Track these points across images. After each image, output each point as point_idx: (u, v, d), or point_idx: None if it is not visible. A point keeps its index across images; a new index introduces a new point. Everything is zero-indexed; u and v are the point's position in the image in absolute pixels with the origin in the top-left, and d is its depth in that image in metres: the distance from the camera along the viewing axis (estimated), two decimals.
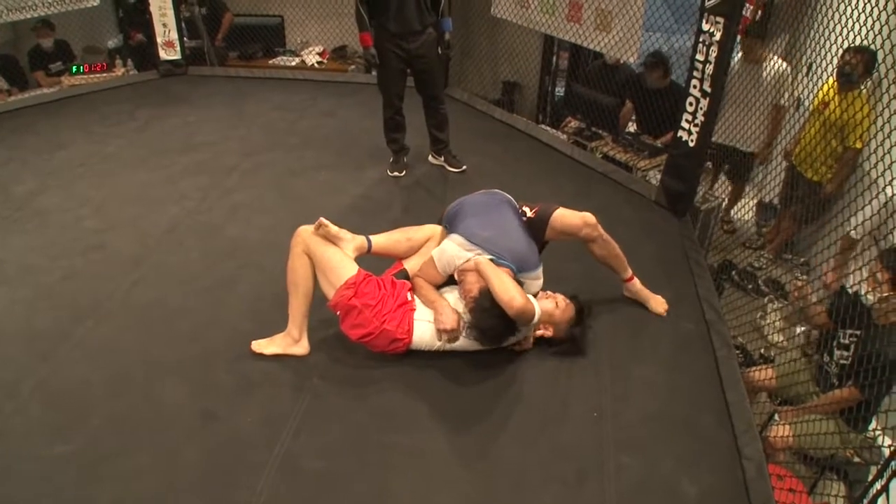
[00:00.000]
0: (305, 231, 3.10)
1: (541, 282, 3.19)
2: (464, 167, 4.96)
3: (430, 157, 5.10)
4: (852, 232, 4.08)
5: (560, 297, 3.18)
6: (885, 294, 3.21)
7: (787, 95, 5.02)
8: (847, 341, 3.46)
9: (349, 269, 3.01)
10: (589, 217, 3.23)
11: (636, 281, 3.48)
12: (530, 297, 2.98)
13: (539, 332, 3.15)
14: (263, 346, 3.16)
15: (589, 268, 3.52)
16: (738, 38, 5.28)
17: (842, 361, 3.46)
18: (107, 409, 2.81)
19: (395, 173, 4.89)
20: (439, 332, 3.00)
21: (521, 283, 3.00)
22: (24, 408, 2.81)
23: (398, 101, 4.75)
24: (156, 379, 2.98)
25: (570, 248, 3.47)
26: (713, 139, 4.98)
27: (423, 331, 3.03)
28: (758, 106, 4.98)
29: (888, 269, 3.21)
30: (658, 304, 3.49)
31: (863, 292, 3.32)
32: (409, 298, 3.09)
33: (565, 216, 3.24)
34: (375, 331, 2.98)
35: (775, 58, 5.09)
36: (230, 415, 2.81)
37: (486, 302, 2.85)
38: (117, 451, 2.62)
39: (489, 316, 2.86)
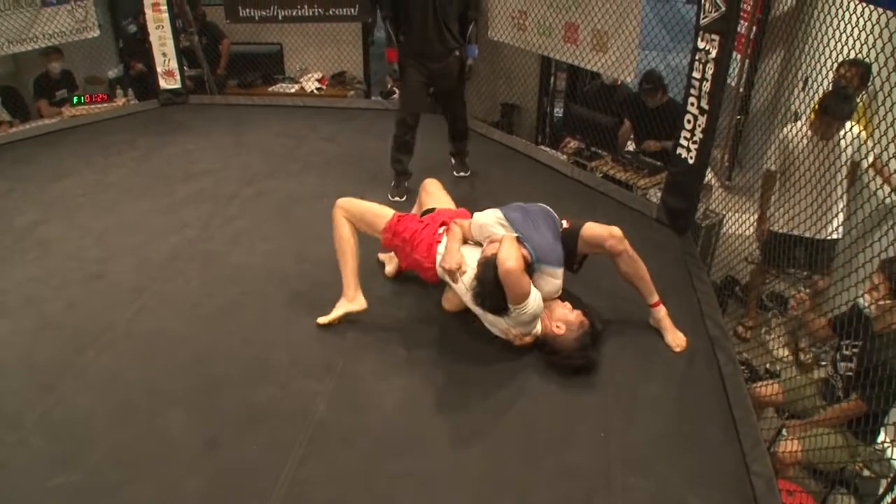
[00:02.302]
0: (342, 200, 3.56)
1: (557, 283, 3.26)
2: (464, 173, 5.23)
3: (450, 160, 5.36)
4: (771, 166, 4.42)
5: (578, 312, 3.24)
6: (885, 303, 3.20)
7: (863, 153, 4.21)
8: (849, 353, 3.45)
9: (384, 217, 3.51)
10: (615, 230, 3.35)
11: (661, 308, 3.44)
12: (537, 293, 3.11)
13: (551, 328, 3.18)
14: (327, 317, 3.50)
15: (596, 289, 3.57)
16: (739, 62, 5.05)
17: (846, 374, 3.44)
18: (110, 440, 2.79)
19: (396, 198, 4.90)
20: (442, 268, 3.29)
21: (532, 273, 3.14)
22: (27, 439, 2.80)
23: (412, 121, 4.85)
24: (159, 408, 2.97)
25: (586, 275, 3.53)
26: (775, 229, 4.57)
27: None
28: (834, 185, 4.07)
29: (888, 278, 3.20)
30: (676, 339, 3.40)
31: (864, 305, 3.30)
32: (441, 232, 3.43)
33: (593, 227, 3.39)
34: (408, 259, 3.51)
35: (847, 125, 4.20)
36: (235, 443, 2.80)
37: (492, 261, 3.00)
38: (120, 482, 2.60)
39: (487, 270, 3.01)
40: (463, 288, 3.22)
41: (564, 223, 3.46)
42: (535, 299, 3.06)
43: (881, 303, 3.22)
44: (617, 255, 3.34)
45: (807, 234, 4.28)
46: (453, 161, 5.30)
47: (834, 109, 4.06)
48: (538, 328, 3.21)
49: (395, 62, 4.72)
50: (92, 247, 4.24)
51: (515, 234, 3.18)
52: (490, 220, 3.30)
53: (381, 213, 3.55)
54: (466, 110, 5.21)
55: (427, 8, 4.45)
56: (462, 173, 5.24)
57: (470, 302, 3.21)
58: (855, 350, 3.41)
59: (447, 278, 3.31)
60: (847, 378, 3.41)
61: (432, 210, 3.69)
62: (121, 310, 3.63)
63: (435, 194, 3.82)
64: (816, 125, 4.16)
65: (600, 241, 3.34)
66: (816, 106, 4.19)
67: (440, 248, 3.37)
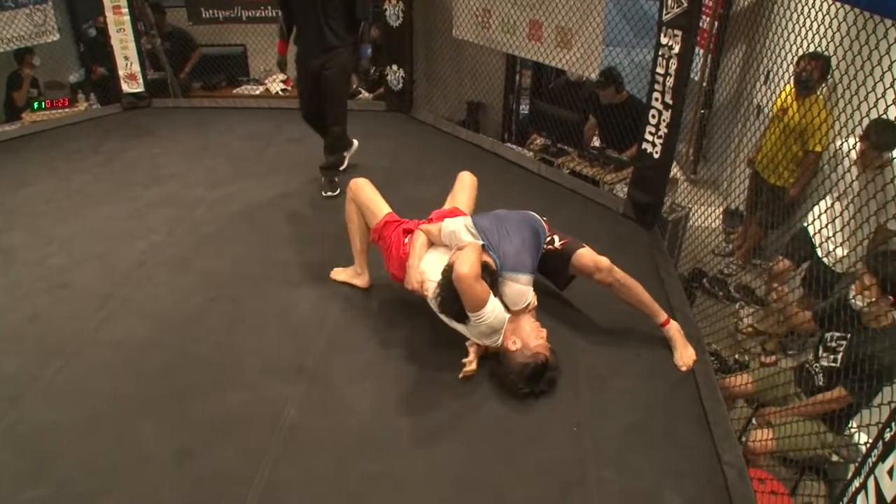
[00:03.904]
0: (354, 183, 3.65)
1: (522, 289, 3.14)
2: (330, 193, 4.90)
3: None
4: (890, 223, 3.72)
5: (545, 342, 3.09)
6: (874, 299, 3.22)
7: None
8: (834, 344, 3.46)
9: (377, 216, 3.54)
10: (602, 263, 3.32)
11: (671, 326, 3.39)
12: (498, 304, 3.02)
13: (508, 342, 3.06)
14: (338, 274, 3.88)
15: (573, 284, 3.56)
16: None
17: (826, 364, 3.45)
18: (79, 452, 2.75)
19: (328, 192, 4.96)
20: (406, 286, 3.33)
21: (499, 280, 3.11)
22: None
23: (309, 117, 4.91)
24: (129, 418, 2.93)
25: None
26: (831, 264, 4.13)
27: None
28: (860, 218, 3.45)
29: (874, 274, 3.22)
30: (683, 357, 3.32)
31: (856, 305, 3.31)
32: (406, 243, 3.39)
33: (583, 257, 3.36)
34: (386, 263, 3.50)
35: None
36: (207, 450, 2.77)
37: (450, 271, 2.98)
38: (91, 495, 2.56)
39: (446, 277, 2.98)
40: (430, 297, 3.18)
41: (557, 239, 3.41)
42: (493, 310, 2.97)
43: (873, 300, 3.22)
44: (607, 286, 3.35)
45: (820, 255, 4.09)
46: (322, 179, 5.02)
47: (874, 138, 3.81)
48: (500, 340, 3.11)
49: (284, 55, 4.82)
50: (56, 254, 4.17)
51: (481, 242, 3.15)
52: (459, 226, 3.25)
53: (376, 211, 3.55)
54: (343, 120, 4.88)
55: (308, 4, 4.43)
56: (328, 193, 4.90)
57: (437, 311, 3.17)
58: (841, 342, 3.42)
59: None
60: (830, 369, 3.43)
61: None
62: (87, 318, 3.58)
63: (457, 192, 3.75)
64: (859, 151, 3.96)
65: (588, 273, 3.36)
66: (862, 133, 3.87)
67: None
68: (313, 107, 4.82)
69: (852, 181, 3.75)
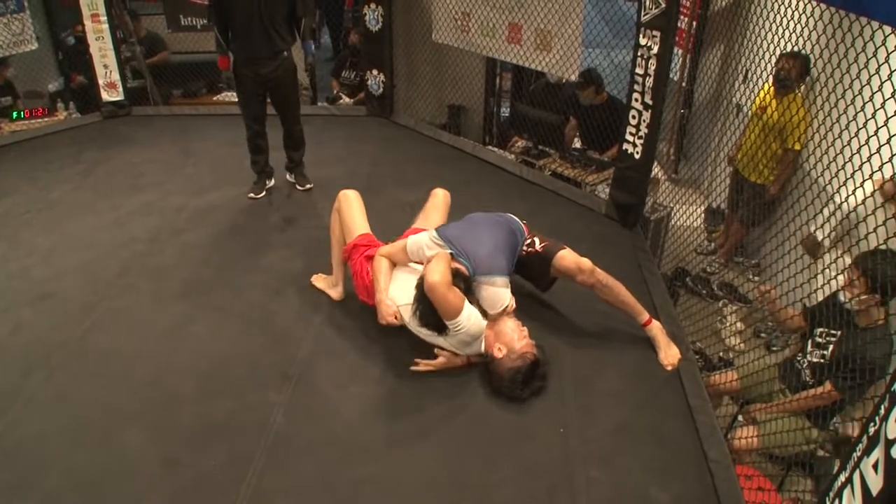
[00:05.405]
0: (343, 194, 3.65)
1: (498, 291, 3.14)
2: (309, 186, 5.13)
3: (286, 176, 5.23)
4: (818, 233, 3.78)
5: (528, 339, 3.11)
6: (864, 298, 3.23)
7: None
8: (823, 340, 3.46)
9: (353, 232, 3.55)
10: (584, 264, 3.32)
11: (653, 326, 3.40)
12: (473, 310, 3.03)
13: (493, 348, 3.08)
14: (317, 280, 3.87)
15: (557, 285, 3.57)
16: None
17: (814, 360, 3.47)
18: (65, 463, 2.73)
19: (252, 194, 4.99)
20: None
21: (472, 283, 3.12)
22: None
23: (256, 125, 4.89)
24: (115, 428, 2.91)
25: None
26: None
27: None
28: None
29: (864, 274, 3.22)
30: (669, 356, 3.34)
31: (843, 299, 3.32)
32: (370, 271, 3.37)
33: (564, 259, 3.35)
34: (354, 286, 3.54)
35: None
36: (194, 459, 2.75)
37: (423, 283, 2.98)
38: None
39: (420, 289, 2.98)
40: (406, 320, 3.18)
41: (537, 242, 3.42)
42: (469, 317, 2.97)
43: (863, 298, 3.24)
44: (590, 287, 3.35)
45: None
46: (291, 176, 5.22)
47: None
48: (482, 347, 3.13)
49: (227, 69, 4.70)
50: (38, 265, 4.14)
51: (449, 251, 3.14)
52: (424, 241, 3.25)
53: (352, 228, 3.56)
54: (300, 116, 5.06)
55: (251, 12, 4.37)
56: (308, 185, 5.14)
57: (417, 328, 3.14)
58: (831, 339, 3.42)
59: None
60: (818, 365, 3.43)
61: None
62: (71, 329, 3.55)
63: (428, 210, 3.73)
64: (886, 186, 3.56)
65: (570, 275, 3.35)
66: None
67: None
68: (262, 111, 4.86)
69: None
